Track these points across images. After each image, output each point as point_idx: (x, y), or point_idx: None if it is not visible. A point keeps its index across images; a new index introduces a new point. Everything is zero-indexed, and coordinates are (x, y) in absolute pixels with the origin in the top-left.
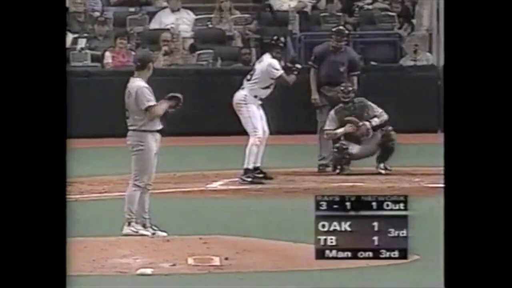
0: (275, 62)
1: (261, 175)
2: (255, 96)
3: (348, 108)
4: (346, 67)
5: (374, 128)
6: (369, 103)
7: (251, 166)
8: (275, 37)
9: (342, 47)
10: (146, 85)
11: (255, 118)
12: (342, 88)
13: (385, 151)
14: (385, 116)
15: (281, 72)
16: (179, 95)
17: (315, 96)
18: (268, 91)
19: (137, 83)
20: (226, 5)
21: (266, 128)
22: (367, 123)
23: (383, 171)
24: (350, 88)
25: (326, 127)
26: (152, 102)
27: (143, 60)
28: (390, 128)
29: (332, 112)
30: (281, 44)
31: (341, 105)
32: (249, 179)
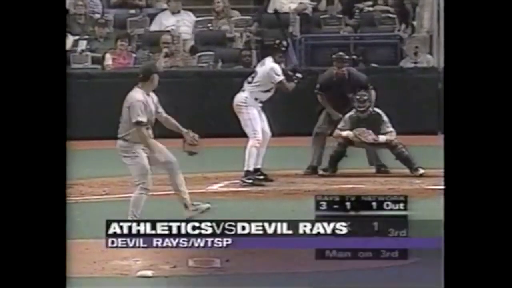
0: (277, 67)
1: (261, 177)
2: (256, 99)
3: (363, 118)
4: (353, 92)
5: (378, 145)
6: (385, 118)
7: (251, 168)
8: (277, 41)
9: (345, 73)
10: (143, 99)
11: (255, 121)
12: (357, 97)
13: (402, 160)
14: (393, 135)
15: (282, 77)
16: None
17: (336, 116)
18: (269, 94)
19: (136, 95)
20: (220, 5)
21: (268, 129)
22: (371, 138)
23: (418, 173)
24: (366, 98)
25: (338, 126)
26: (141, 118)
27: (146, 71)
28: (395, 141)
29: (347, 116)
30: (283, 48)
31: (357, 112)
32: (250, 181)
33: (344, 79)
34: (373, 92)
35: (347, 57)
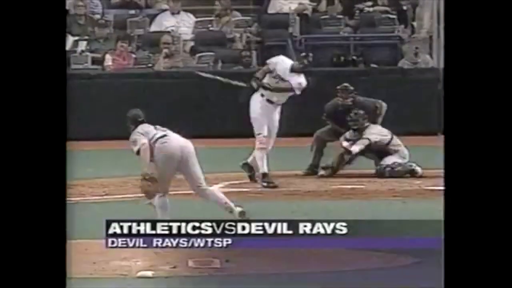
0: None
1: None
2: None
3: (357, 133)
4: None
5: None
6: (379, 127)
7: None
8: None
9: (350, 103)
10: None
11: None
12: (352, 115)
13: (404, 174)
14: (366, 142)
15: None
16: None
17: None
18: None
19: None
20: (219, 8)
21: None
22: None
23: (417, 174)
24: (361, 113)
25: (341, 141)
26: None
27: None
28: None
29: (347, 134)
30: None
31: (352, 132)
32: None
33: (350, 108)
34: (384, 104)
35: (352, 88)
